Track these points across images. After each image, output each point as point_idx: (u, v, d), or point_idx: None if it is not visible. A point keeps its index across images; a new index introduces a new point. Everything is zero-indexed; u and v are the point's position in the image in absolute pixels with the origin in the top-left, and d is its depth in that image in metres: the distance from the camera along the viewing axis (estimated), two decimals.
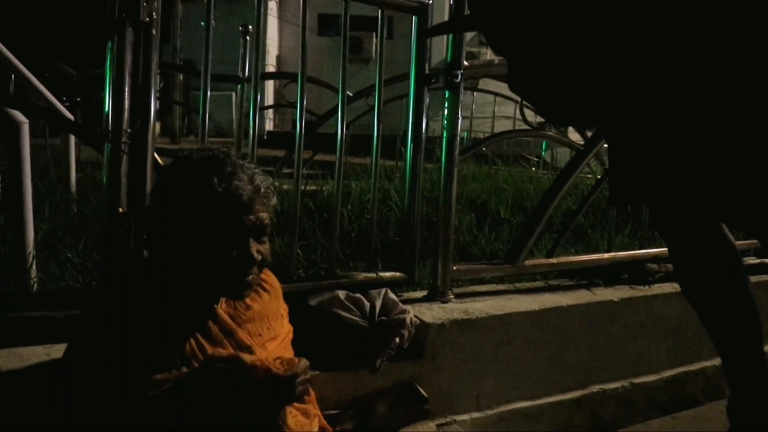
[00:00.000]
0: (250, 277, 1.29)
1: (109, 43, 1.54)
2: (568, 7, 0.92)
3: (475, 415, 2.04)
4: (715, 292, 1.33)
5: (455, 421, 1.99)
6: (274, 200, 1.32)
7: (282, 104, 6.51)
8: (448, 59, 2.05)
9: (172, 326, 1.25)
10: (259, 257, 1.28)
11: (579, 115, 1.07)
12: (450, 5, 2.05)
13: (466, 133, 7.58)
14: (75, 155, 3.31)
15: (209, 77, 1.86)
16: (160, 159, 2.10)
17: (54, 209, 2.55)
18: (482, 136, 8.92)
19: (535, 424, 2.16)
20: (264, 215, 1.28)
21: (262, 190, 1.28)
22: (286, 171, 4.14)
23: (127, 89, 1.54)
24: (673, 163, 1.05)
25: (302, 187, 2.28)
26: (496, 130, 7.69)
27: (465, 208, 3.31)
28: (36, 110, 1.82)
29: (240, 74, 4.02)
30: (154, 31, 1.56)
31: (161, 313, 1.25)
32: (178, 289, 1.28)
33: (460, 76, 2.05)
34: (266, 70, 10.91)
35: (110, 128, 1.54)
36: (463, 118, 2.19)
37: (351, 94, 3.92)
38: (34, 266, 1.96)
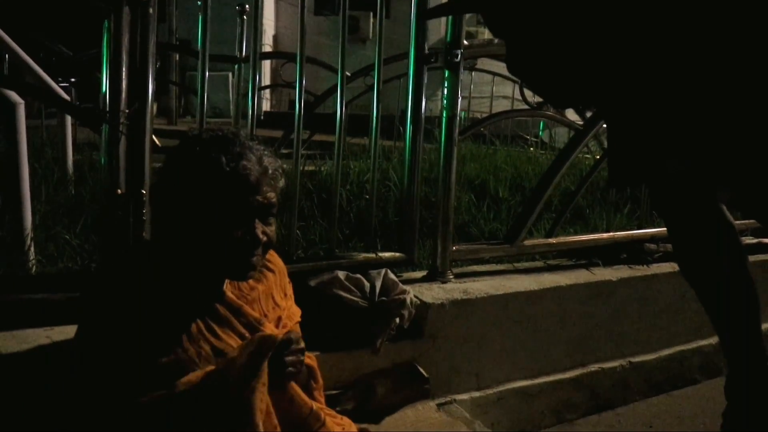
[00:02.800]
0: (255, 258, 1.29)
1: (106, 23, 1.52)
2: None
3: (475, 394, 2.06)
4: (713, 272, 1.33)
5: (455, 400, 2.01)
6: (282, 182, 1.31)
7: (280, 84, 6.46)
8: (448, 39, 2.03)
9: (177, 308, 1.25)
10: (265, 238, 1.27)
11: (579, 96, 1.06)
12: None
13: (464, 113, 7.55)
14: (71, 136, 3.29)
15: (207, 58, 1.84)
16: (158, 140, 2.09)
17: (51, 191, 2.54)
18: (480, 116, 8.91)
19: (534, 402, 2.18)
20: (271, 195, 1.27)
21: (270, 171, 1.27)
22: (283, 151, 4.11)
23: (124, 69, 1.52)
24: (673, 142, 1.05)
25: (301, 167, 2.27)
26: (495, 110, 7.65)
27: (464, 188, 3.31)
28: (32, 90, 1.81)
29: (237, 54, 3.99)
30: (151, 10, 1.54)
31: (166, 295, 1.25)
32: (183, 271, 1.28)
33: (459, 56, 2.04)
34: (263, 50, 10.82)
35: (108, 109, 1.52)
36: (462, 98, 2.18)
37: (349, 74, 3.89)
38: (32, 248, 1.95)
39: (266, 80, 10.82)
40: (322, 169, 3.51)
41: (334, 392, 1.78)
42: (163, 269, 1.27)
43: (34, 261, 1.93)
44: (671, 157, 1.15)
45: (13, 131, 2.01)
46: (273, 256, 1.49)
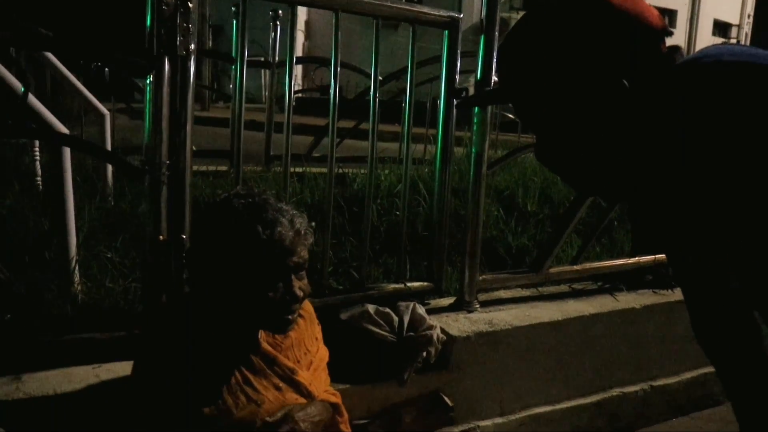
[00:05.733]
0: (294, 314, 1.38)
1: (148, 78, 1.59)
2: (600, 98, 0.93)
3: (498, 420, 2.13)
4: (727, 351, 1.37)
5: (478, 426, 2.08)
6: (311, 238, 1.39)
7: (311, 88, 6.50)
8: (478, 77, 2.06)
9: (217, 359, 1.34)
10: (302, 294, 1.36)
11: (607, 192, 1.10)
12: (480, 20, 2.06)
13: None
14: (109, 143, 3.37)
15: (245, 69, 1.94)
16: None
17: (93, 208, 2.64)
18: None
19: (556, 427, 2.24)
20: (305, 254, 1.35)
21: (302, 231, 1.35)
22: (315, 154, 4.17)
23: (164, 122, 1.59)
24: (691, 243, 1.10)
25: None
26: None
27: (492, 201, 3.33)
28: (68, 141, 1.89)
29: (269, 59, 4.07)
30: (190, 64, 1.61)
31: (206, 347, 1.34)
32: (222, 325, 1.36)
33: None
34: (294, 36, 10.79)
35: (149, 160, 1.60)
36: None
37: (381, 78, 3.92)
38: (76, 270, 2.06)
39: (297, 74, 10.86)
40: (352, 174, 3.54)
41: (362, 421, 1.86)
42: (203, 322, 1.36)
43: (79, 283, 2.03)
44: (688, 253, 1.20)
45: (59, 161, 2.10)
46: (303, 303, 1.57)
